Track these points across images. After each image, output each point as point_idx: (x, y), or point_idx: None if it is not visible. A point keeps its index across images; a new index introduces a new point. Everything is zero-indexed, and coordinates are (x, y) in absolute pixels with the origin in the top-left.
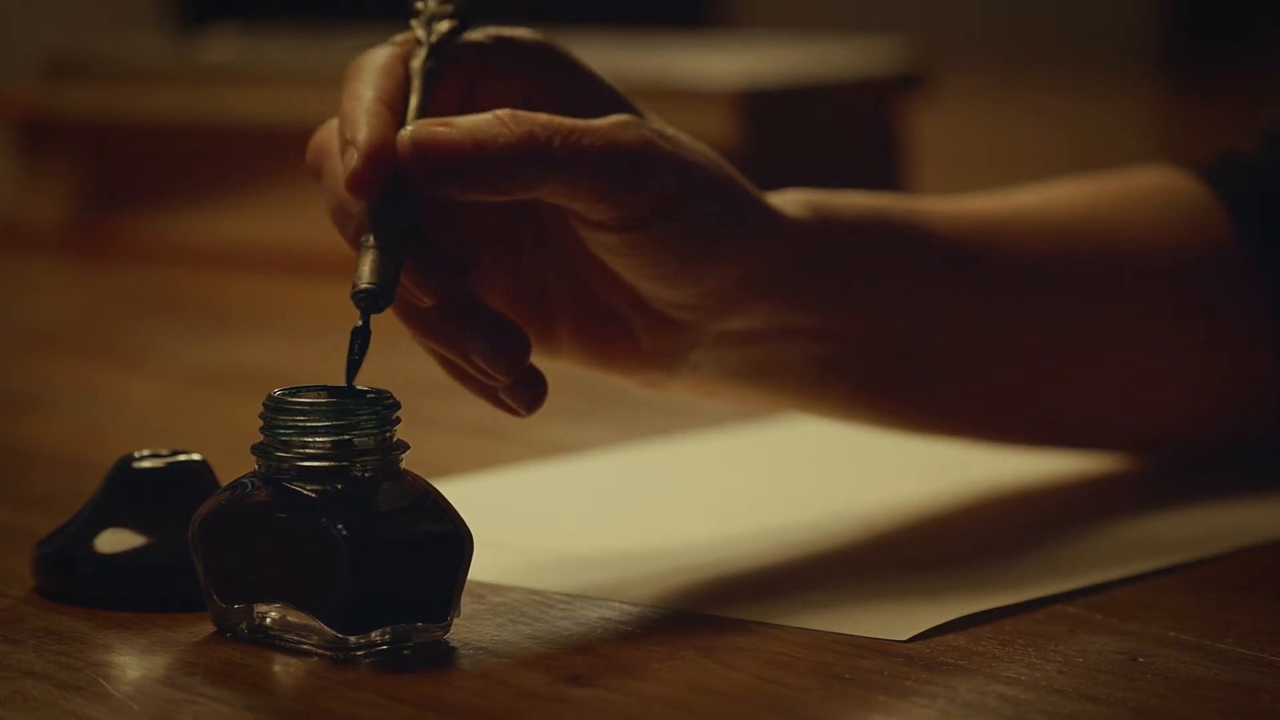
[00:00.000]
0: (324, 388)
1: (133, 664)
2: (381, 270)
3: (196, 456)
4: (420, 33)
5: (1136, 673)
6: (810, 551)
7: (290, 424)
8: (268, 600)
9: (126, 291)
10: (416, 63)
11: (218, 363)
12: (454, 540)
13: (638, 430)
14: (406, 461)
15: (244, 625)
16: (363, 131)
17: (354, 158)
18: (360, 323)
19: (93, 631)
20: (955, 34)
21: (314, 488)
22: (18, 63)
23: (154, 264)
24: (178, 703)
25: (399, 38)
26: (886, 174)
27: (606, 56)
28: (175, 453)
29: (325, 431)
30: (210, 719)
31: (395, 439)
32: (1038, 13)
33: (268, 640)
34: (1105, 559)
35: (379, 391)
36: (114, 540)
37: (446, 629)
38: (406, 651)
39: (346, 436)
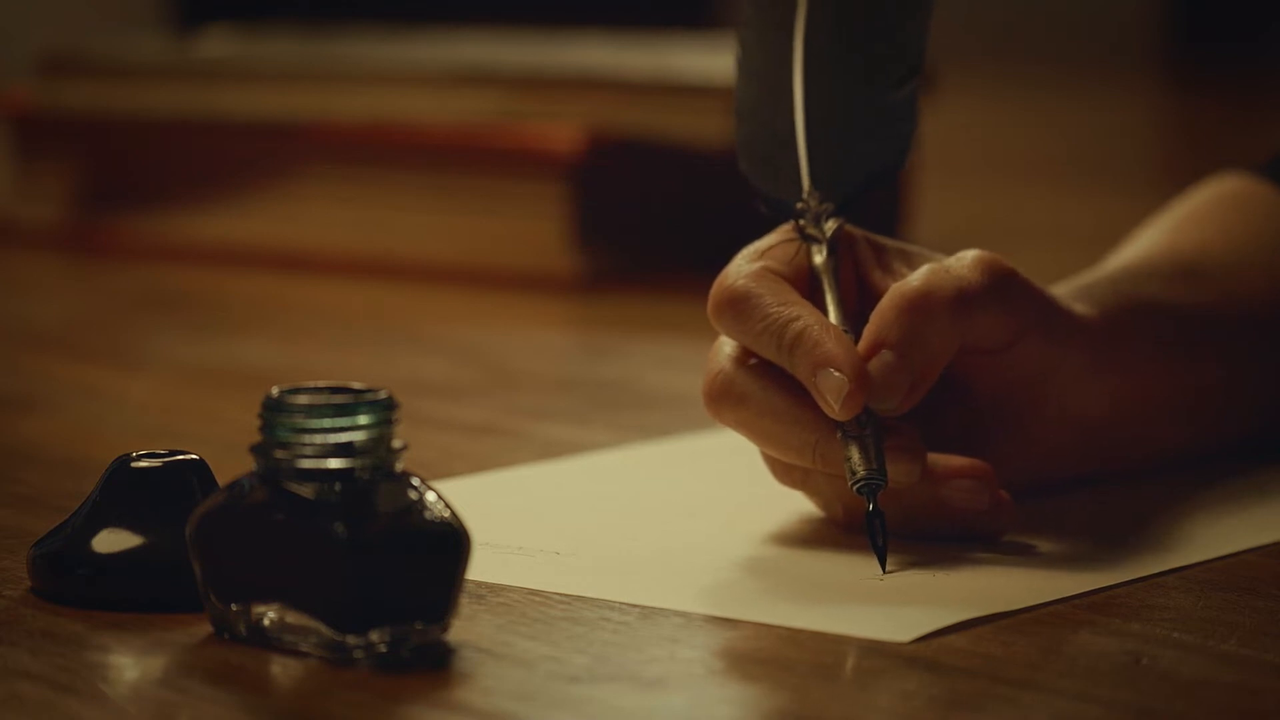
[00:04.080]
0: (323, 387)
1: (130, 665)
2: (875, 455)
3: (194, 456)
4: (814, 230)
5: (1139, 674)
6: (812, 552)
7: (289, 424)
8: (266, 601)
9: (124, 290)
10: (820, 259)
11: (216, 362)
12: (453, 540)
13: (638, 430)
14: (406, 461)
15: (242, 626)
16: (839, 353)
17: (843, 382)
18: (871, 507)
19: (89, 633)
20: (955, 33)
21: (312, 488)
22: (15, 61)
23: (152, 263)
24: (175, 704)
25: (768, 241)
26: None
27: (607, 56)
28: (173, 452)
29: (324, 431)
30: None
31: (394, 439)
32: (1038, 12)
33: (266, 641)
34: (1108, 562)
35: (378, 391)
36: (111, 541)
37: (445, 629)
38: (405, 652)
39: (345, 436)
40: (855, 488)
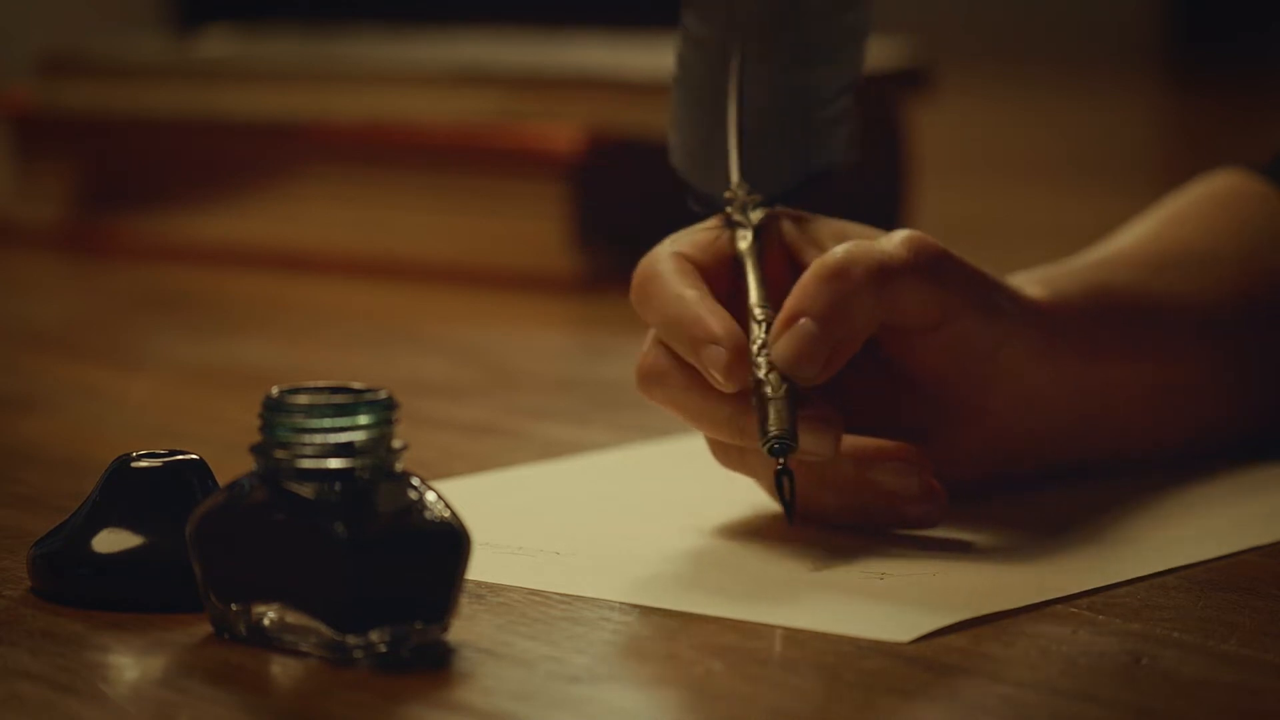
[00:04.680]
0: (323, 387)
1: (130, 665)
2: (788, 419)
3: (194, 456)
4: (740, 218)
5: (1139, 674)
6: (812, 551)
7: (289, 424)
8: (266, 601)
9: (124, 290)
10: (744, 245)
11: (216, 362)
12: (453, 540)
13: (638, 430)
14: (406, 461)
15: (242, 626)
16: (717, 327)
17: (722, 354)
18: (781, 464)
19: (89, 632)
20: (955, 33)
21: (312, 488)
22: (15, 61)
23: (152, 263)
24: (175, 704)
25: (691, 229)
26: (888, 172)
27: (607, 56)
28: (173, 452)
29: (324, 431)
30: None
31: (394, 439)
32: (1038, 12)
33: (266, 641)
34: (1109, 561)
35: (378, 391)
36: (111, 540)
37: (445, 629)
38: (405, 652)
39: (345, 436)
40: (765, 448)
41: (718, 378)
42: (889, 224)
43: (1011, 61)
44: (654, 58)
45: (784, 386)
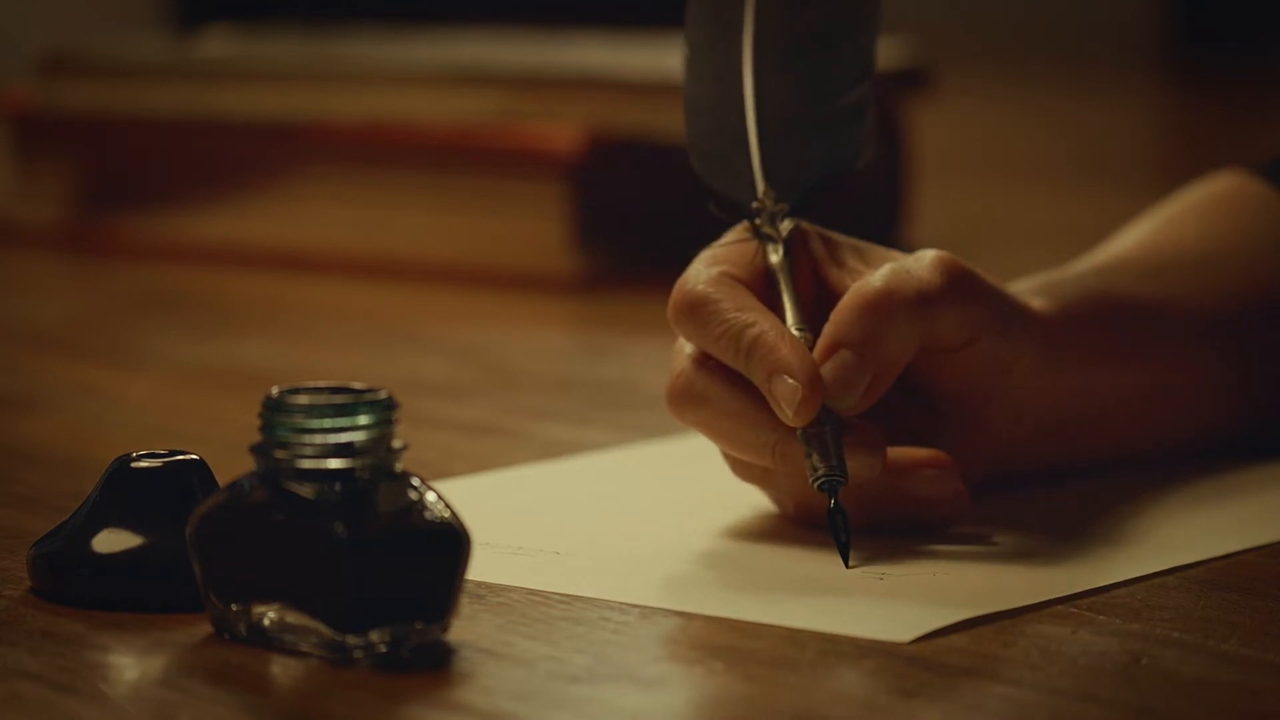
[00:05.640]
0: (323, 387)
1: (130, 665)
2: (835, 453)
3: (194, 456)
4: (770, 230)
5: (1139, 674)
6: (812, 552)
7: (289, 424)
8: (266, 601)
9: (124, 290)
10: (776, 258)
11: (216, 362)
12: (453, 540)
13: (638, 430)
14: (406, 461)
15: (242, 626)
16: (793, 359)
17: (797, 389)
18: (832, 503)
19: (89, 632)
20: (955, 33)
21: (312, 488)
22: (15, 61)
23: (152, 263)
24: (175, 704)
25: (726, 241)
26: (888, 172)
27: (607, 56)
28: (173, 452)
29: (324, 431)
30: None
31: (394, 439)
32: (1038, 12)
33: (266, 641)
34: (1109, 561)
35: (378, 391)
36: (111, 541)
37: (445, 629)
38: (405, 652)
39: (345, 436)
40: (816, 485)
41: (787, 412)
42: (889, 224)
43: (1011, 61)
44: (654, 58)
45: (828, 418)
